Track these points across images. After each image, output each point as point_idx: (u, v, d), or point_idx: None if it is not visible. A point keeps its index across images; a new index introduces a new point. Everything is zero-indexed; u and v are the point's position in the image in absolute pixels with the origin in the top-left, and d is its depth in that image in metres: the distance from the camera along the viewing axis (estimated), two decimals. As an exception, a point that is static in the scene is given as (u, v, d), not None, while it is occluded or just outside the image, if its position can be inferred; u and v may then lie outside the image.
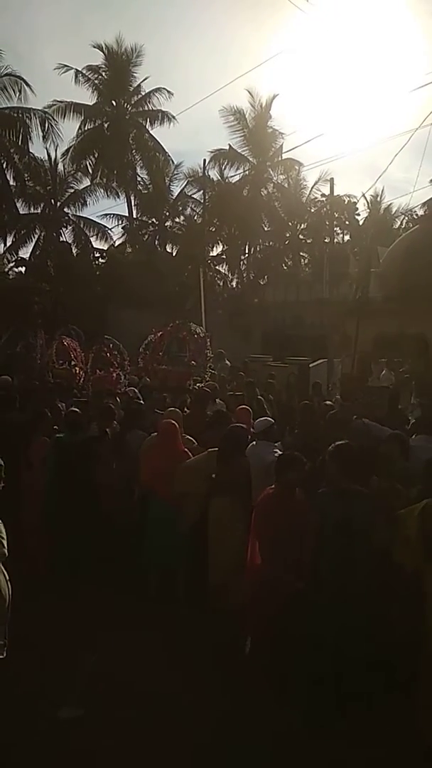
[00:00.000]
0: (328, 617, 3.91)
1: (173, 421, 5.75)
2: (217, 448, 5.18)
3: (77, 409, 6.49)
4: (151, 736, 3.73)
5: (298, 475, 4.43)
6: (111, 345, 9.93)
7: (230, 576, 4.82)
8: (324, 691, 3.83)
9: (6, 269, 26.58)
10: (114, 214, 28.03)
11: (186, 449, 5.64)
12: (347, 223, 30.73)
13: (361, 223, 30.70)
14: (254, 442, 5.50)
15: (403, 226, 27.46)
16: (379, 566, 3.92)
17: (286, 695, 3.98)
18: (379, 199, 29.77)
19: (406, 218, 28.16)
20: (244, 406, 6.80)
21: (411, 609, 3.76)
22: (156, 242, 28.75)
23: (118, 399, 7.96)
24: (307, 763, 3.53)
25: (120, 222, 28.33)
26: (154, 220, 28.91)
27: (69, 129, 27.85)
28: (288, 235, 30.30)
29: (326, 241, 26.85)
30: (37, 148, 25.33)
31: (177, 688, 4.17)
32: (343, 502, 4.02)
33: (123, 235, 28.77)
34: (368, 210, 30.40)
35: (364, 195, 29.69)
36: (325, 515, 4.05)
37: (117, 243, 28.53)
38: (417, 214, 26.52)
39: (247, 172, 28.27)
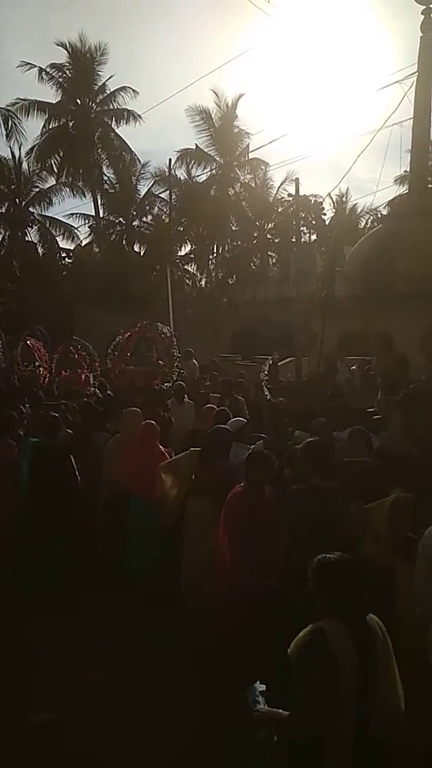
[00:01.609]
0: (300, 615, 3.93)
1: (153, 422, 5.76)
2: (198, 449, 5.17)
3: (55, 413, 6.40)
4: (125, 737, 3.72)
5: (267, 472, 4.46)
6: (79, 346, 9.85)
7: (204, 576, 4.83)
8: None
9: (-30, 270, 26.06)
10: (80, 214, 27.85)
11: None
12: (314, 222, 31.09)
13: (327, 222, 31.10)
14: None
15: (368, 226, 27.89)
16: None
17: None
18: (344, 199, 30.27)
19: (371, 217, 28.61)
20: (209, 405, 6.81)
21: (381, 605, 3.81)
22: (123, 242, 28.56)
23: (86, 400, 7.89)
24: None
25: (87, 221, 28.13)
26: (121, 219, 28.72)
27: (33, 127, 27.62)
28: (256, 234, 30.49)
29: (293, 240, 27.13)
30: (1, 147, 25.02)
31: (151, 689, 4.17)
32: (317, 499, 4.03)
33: (90, 234, 28.55)
34: (334, 210, 30.86)
35: (329, 194, 30.05)
36: (299, 512, 4.06)
37: (84, 243, 28.31)
38: (381, 214, 26.96)
39: (214, 172, 28.37)
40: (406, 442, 5.12)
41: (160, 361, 8.90)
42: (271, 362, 8.30)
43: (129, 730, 3.78)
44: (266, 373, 8.10)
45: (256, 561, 4.14)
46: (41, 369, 9.81)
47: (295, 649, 2.33)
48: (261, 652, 4.03)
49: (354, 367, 9.19)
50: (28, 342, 10.36)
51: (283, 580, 4.04)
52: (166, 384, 8.53)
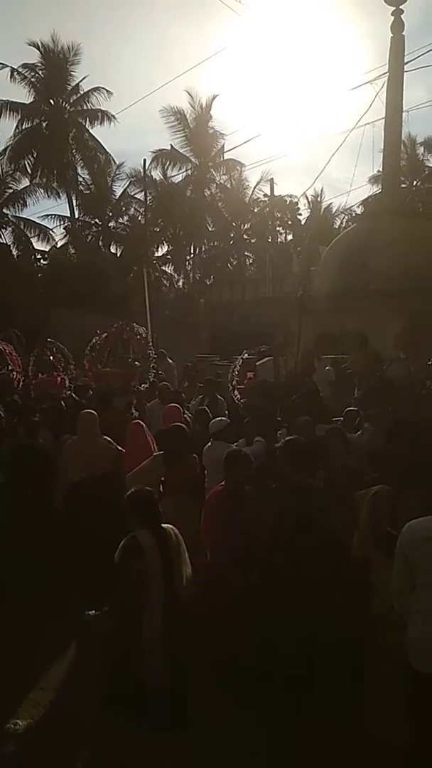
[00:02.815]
0: (279, 607, 3.96)
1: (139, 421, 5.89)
2: (162, 452, 5.20)
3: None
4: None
5: (246, 472, 4.48)
6: (55, 348, 9.75)
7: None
8: (276, 684, 3.89)
9: None
10: (55, 215, 27.57)
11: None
12: (289, 222, 31.29)
13: (303, 222, 31.32)
14: (210, 443, 5.49)
15: (343, 225, 28.15)
16: (331, 558, 3.99)
17: (238, 690, 4.00)
18: (319, 199, 30.52)
19: (346, 217, 28.87)
20: (173, 404, 6.87)
21: (358, 600, 3.85)
22: (99, 243, 28.39)
23: (63, 403, 7.83)
24: (258, 751, 3.57)
25: (62, 222, 27.86)
26: (96, 220, 28.55)
27: (6, 128, 27.31)
28: (232, 235, 30.61)
29: (269, 240, 27.28)
30: (-28, 148, 24.63)
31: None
32: (299, 497, 4.04)
33: (65, 236, 28.31)
34: (309, 209, 31.10)
35: (304, 194, 30.30)
36: (281, 510, 4.07)
37: (59, 244, 28.04)
38: (355, 213, 27.23)
39: (189, 173, 28.38)
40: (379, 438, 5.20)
41: (137, 362, 8.86)
42: (240, 362, 8.33)
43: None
44: (236, 373, 8.13)
45: (238, 559, 4.15)
46: (14, 373, 9.67)
47: (119, 550, 3.41)
48: (242, 648, 4.05)
49: (328, 368, 9.24)
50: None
51: (265, 577, 4.06)
52: (143, 385, 8.50)
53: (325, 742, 3.57)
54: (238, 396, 7.75)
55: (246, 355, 8.55)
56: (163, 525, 3.58)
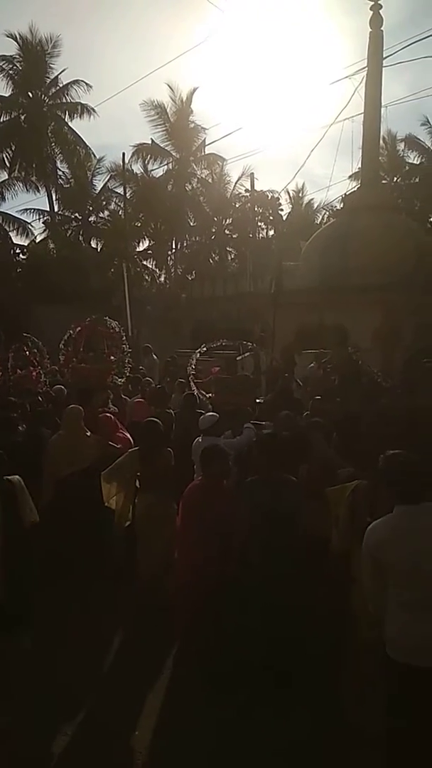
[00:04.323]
0: (256, 602, 3.97)
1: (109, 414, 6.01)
2: (137, 448, 5.23)
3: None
4: (88, 736, 3.68)
5: (223, 467, 4.47)
6: (30, 343, 9.65)
7: (159, 570, 4.84)
8: (252, 674, 3.89)
9: None
10: (34, 209, 27.21)
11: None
12: (271, 218, 31.26)
13: (285, 218, 31.34)
14: (200, 438, 5.50)
15: (324, 221, 28.19)
16: (307, 551, 4.00)
17: (216, 681, 4.00)
18: (301, 194, 30.55)
19: (327, 213, 28.93)
20: (139, 399, 6.85)
21: (337, 593, 3.85)
22: (80, 237, 28.10)
23: (39, 398, 7.75)
24: (238, 746, 3.56)
25: (41, 217, 27.51)
26: (77, 215, 28.24)
27: (-17, 121, 26.66)
28: (214, 230, 30.50)
29: (251, 236, 27.25)
30: None
31: (108, 686, 4.14)
32: (271, 490, 4.09)
33: (45, 230, 27.98)
34: (291, 205, 31.13)
35: (286, 189, 30.29)
36: (254, 503, 4.12)
37: (38, 239, 27.70)
38: (336, 208, 27.27)
39: (170, 167, 28.20)
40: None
41: (112, 357, 8.79)
42: (198, 356, 8.31)
43: (83, 731, 3.73)
44: (193, 367, 8.11)
45: (214, 552, 4.15)
46: (-6, 368, 9.54)
47: None
48: (219, 639, 4.05)
49: (313, 364, 9.24)
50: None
51: (242, 569, 4.06)
52: (120, 380, 8.45)
53: (304, 734, 3.57)
54: (195, 390, 7.72)
55: (204, 348, 8.54)
56: (8, 477, 4.47)
